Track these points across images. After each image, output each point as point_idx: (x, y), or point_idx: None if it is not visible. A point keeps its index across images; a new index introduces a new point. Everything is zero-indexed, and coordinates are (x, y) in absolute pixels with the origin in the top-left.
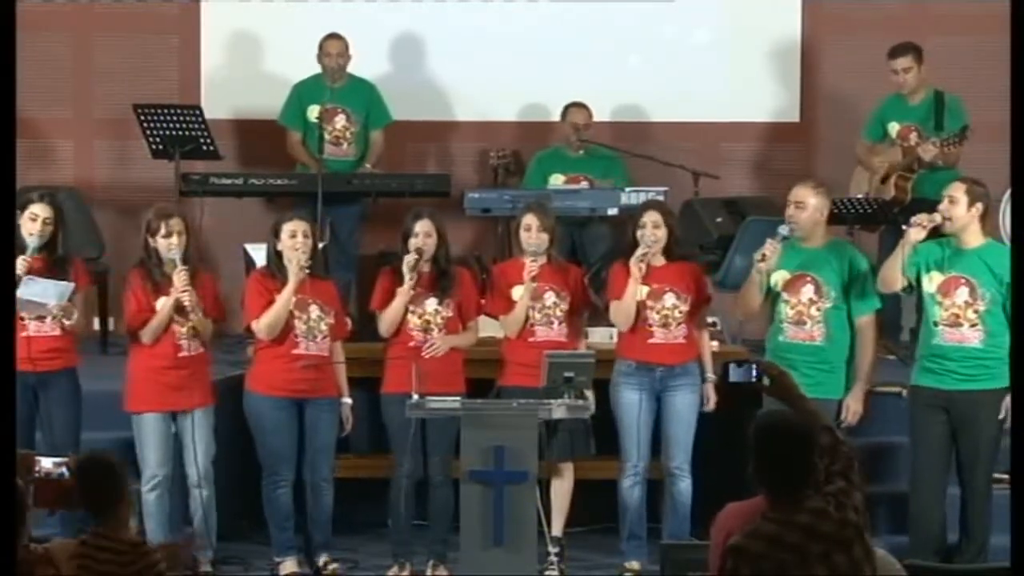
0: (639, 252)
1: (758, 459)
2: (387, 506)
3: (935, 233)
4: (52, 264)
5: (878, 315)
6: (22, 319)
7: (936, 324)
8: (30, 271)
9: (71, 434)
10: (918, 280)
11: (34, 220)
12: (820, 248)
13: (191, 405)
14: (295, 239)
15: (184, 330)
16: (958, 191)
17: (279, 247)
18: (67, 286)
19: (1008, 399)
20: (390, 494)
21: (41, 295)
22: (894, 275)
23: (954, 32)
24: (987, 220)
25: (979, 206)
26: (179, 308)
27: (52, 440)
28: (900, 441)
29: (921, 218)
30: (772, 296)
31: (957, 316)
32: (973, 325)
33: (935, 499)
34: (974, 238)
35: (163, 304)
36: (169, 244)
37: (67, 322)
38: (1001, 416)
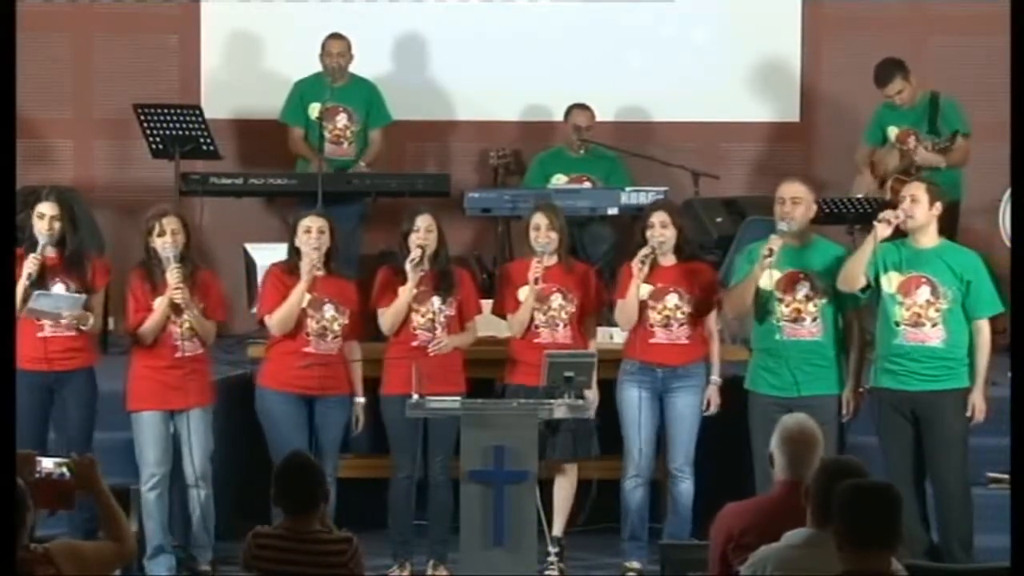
0: (642, 252)
1: (846, 519)
2: (387, 506)
3: (892, 235)
4: (66, 261)
5: (863, 308)
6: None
7: (897, 324)
8: (44, 268)
9: (85, 432)
10: (876, 280)
11: (41, 218)
12: (808, 246)
13: (188, 404)
14: (309, 234)
15: (181, 330)
16: (919, 190)
17: (296, 243)
18: (79, 298)
19: (972, 397)
20: (390, 495)
21: (53, 307)
22: (858, 272)
23: (954, 32)
24: (943, 221)
25: (938, 206)
26: (174, 307)
27: (67, 439)
28: None
29: (888, 214)
30: (763, 297)
31: (919, 316)
32: (935, 324)
33: (911, 499)
34: (930, 238)
35: (159, 303)
36: (164, 243)
37: (83, 327)
38: (968, 414)
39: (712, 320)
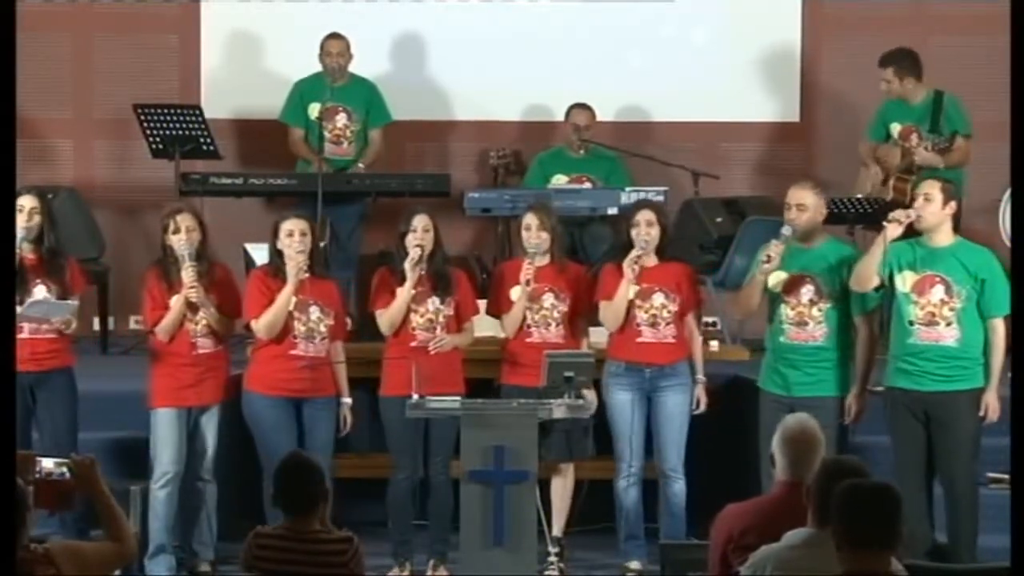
0: (633, 254)
1: (844, 519)
2: (387, 506)
3: (906, 233)
4: (45, 259)
5: (873, 313)
6: None
7: (911, 323)
8: (24, 268)
9: (69, 434)
10: (890, 280)
11: (20, 211)
12: (817, 248)
13: (205, 402)
14: (292, 237)
15: (197, 327)
16: (933, 188)
17: (279, 246)
18: (71, 305)
19: (987, 397)
20: (390, 495)
21: (44, 314)
22: (871, 273)
23: (954, 32)
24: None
25: (952, 205)
26: (190, 305)
27: (51, 440)
28: None
29: (899, 214)
30: (770, 297)
31: (933, 315)
32: (949, 324)
33: (919, 499)
34: (945, 237)
35: (175, 301)
36: (179, 240)
37: (65, 331)
38: (981, 415)
39: (692, 319)
